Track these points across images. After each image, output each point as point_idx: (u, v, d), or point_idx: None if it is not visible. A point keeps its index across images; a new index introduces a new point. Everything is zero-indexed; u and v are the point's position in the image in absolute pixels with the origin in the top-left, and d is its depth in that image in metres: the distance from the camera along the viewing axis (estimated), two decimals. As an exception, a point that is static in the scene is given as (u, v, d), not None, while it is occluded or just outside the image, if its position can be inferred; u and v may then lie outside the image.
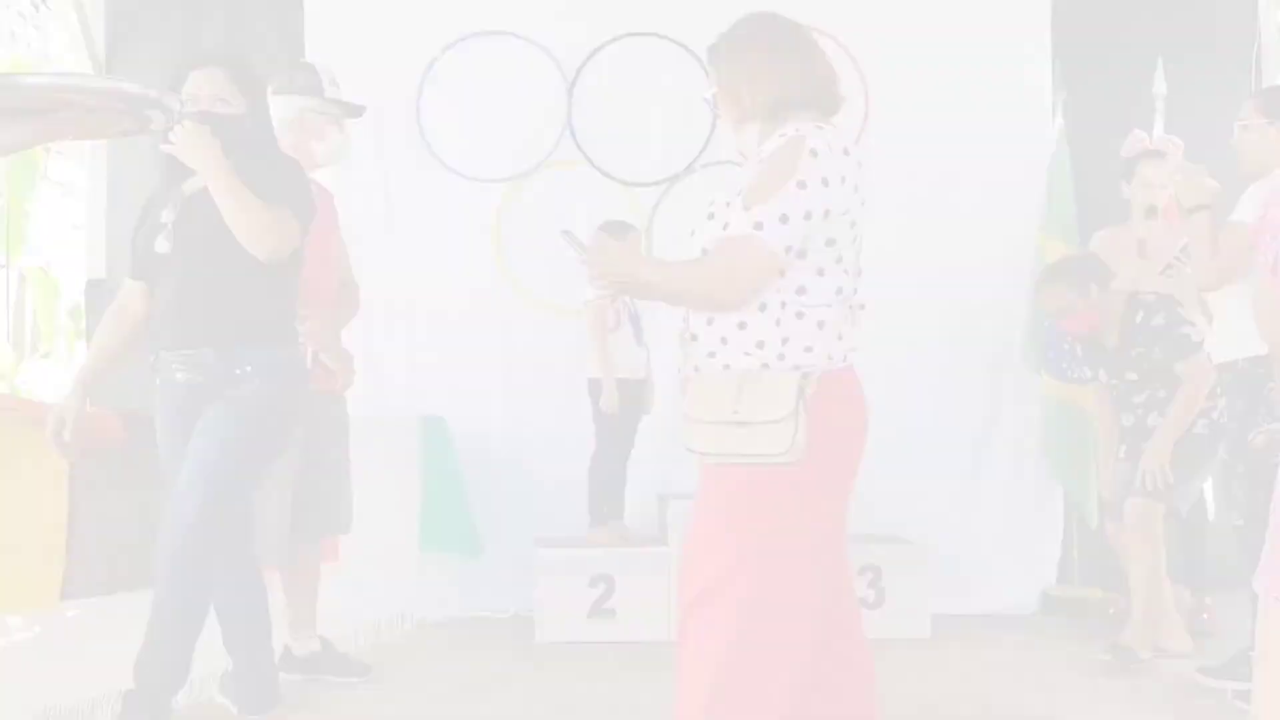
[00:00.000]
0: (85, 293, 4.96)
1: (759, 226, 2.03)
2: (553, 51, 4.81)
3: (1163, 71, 4.66)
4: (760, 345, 2.08)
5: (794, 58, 2.17)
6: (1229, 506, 3.40)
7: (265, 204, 2.68)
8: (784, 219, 2.02)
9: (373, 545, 4.03)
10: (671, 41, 4.82)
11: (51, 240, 7.79)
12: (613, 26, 4.83)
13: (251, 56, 4.77)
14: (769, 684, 2.05)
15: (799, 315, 2.08)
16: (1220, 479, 4.11)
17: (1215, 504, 4.33)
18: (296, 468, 3.37)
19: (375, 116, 4.45)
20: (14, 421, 2.91)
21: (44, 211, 7.55)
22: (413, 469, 4.34)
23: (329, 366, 3.39)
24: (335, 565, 3.85)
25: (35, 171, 7.21)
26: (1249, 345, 3.31)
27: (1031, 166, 4.78)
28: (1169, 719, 3.23)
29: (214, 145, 2.67)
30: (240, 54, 3.02)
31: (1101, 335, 3.93)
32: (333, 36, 4.71)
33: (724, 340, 2.12)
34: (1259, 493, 3.19)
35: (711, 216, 2.14)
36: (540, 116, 4.81)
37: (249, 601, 2.88)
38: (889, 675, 3.66)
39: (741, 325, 2.10)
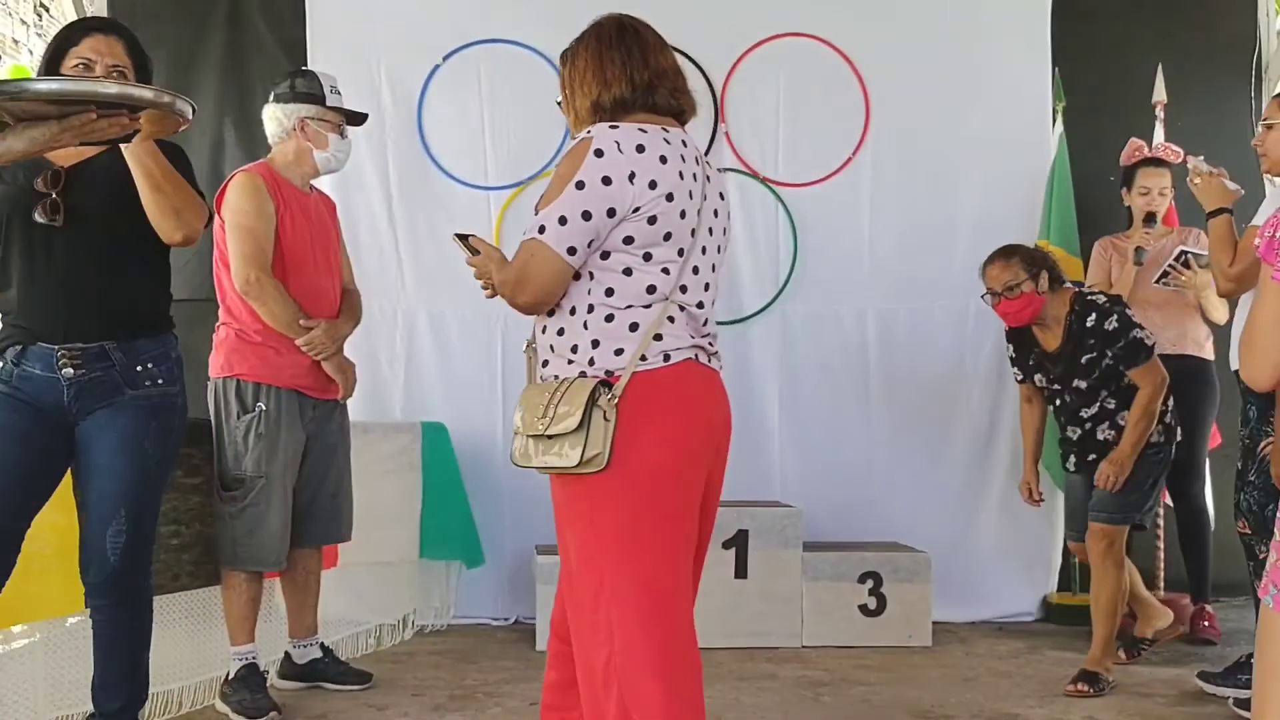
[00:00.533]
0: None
1: (541, 229, 2.05)
2: (553, 59, 4.80)
3: (1163, 79, 4.66)
4: (575, 350, 2.09)
5: (619, 60, 2.16)
6: (1237, 515, 3.38)
7: (186, 186, 2.54)
8: (563, 220, 2.03)
9: (373, 552, 4.03)
10: (671, 49, 4.82)
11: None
12: (613, 34, 4.83)
13: (254, 64, 4.84)
14: (662, 690, 2.02)
15: (608, 318, 2.06)
16: (1221, 486, 4.11)
17: (1216, 511, 4.32)
18: (299, 475, 3.38)
19: (376, 124, 4.47)
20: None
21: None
22: (414, 476, 4.34)
23: (332, 375, 3.40)
24: (334, 572, 3.85)
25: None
26: None
27: (1032, 174, 4.79)
28: (1170, 727, 3.23)
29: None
30: (129, 27, 2.70)
31: (1042, 336, 3.74)
32: (334, 44, 4.72)
33: (551, 348, 2.14)
34: (1270, 503, 3.18)
35: None
36: (540, 124, 4.81)
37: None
38: (890, 682, 3.68)
39: (560, 331, 2.12)
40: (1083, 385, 3.68)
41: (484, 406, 4.72)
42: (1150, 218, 4.33)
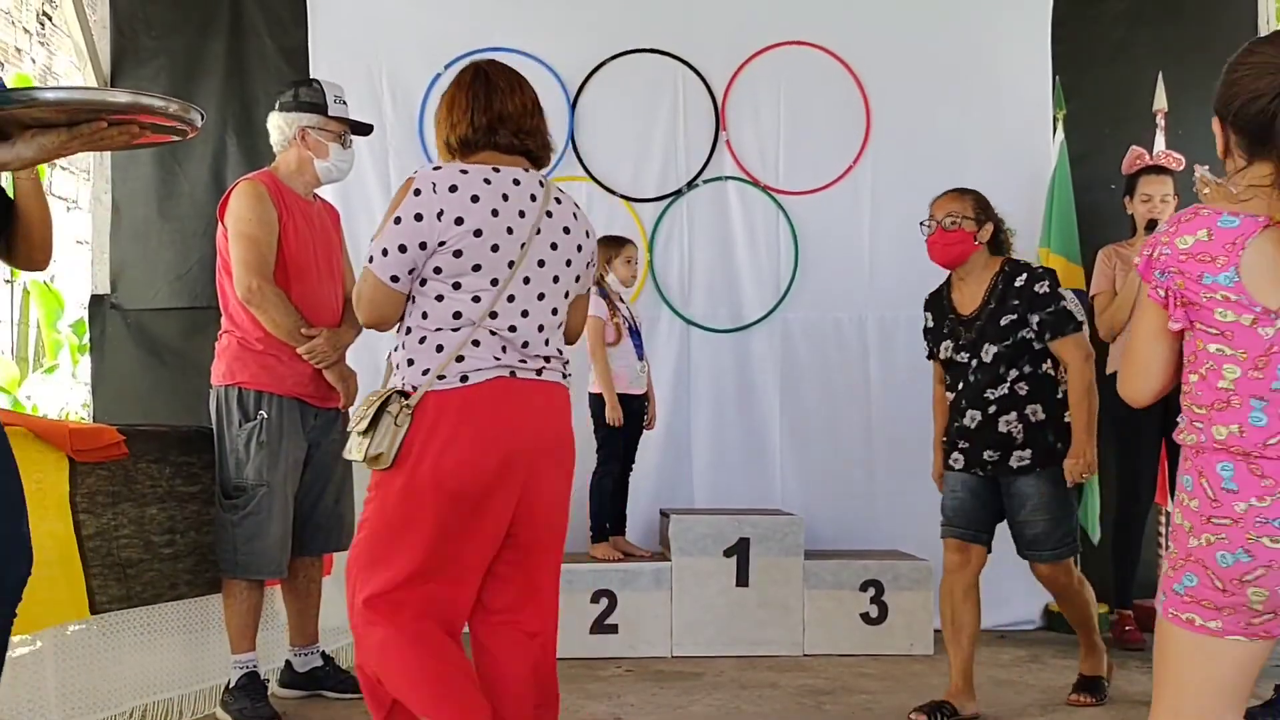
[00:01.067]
0: (89, 307, 4.98)
1: (370, 258, 2.32)
2: (555, 67, 4.83)
3: (1163, 87, 4.67)
4: (400, 365, 2.35)
5: (465, 103, 2.38)
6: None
7: None
8: (384, 252, 2.29)
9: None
10: (673, 57, 4.84)
11: (56, 255, 7.82)
12: (614, 42, 4.85)
13: (256, 72, 4.85)
14: (405, 675, 2.28)
15: (421, 340, 2.31)
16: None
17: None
18: (300, 483, 3.37)
19: (378, 133, 4.47)
20: (18, 435, 2.91)
21: (48, 226, 7.57)
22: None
23: (333, 384, 3.40)
24: (332, 579, 3.85)
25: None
26: None
27: (1033, 182, 4.79)
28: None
29: None
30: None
31: (959, 297, 3.42)
32: (336, 53, 4.73)
33: (389, 358, 2.41)
34: None
35: None
36: (542, 132, 4.82)
37: None
38: (892, 691, 3.67)
39: (396, 347, 2.39)
40: (993, 353, 3.30)
41: (485, 414, 4.72)
42: (1152, 225, 4.33)
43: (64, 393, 7.34)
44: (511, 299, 2.30)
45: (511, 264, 2.29)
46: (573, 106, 4.83)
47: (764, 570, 4.19)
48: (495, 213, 2.28)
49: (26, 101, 1.92)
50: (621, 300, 4.45)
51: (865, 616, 4.22)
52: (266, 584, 3.41)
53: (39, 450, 2.89)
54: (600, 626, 4.13)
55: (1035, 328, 3.27)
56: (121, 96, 2.07)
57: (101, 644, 3.12)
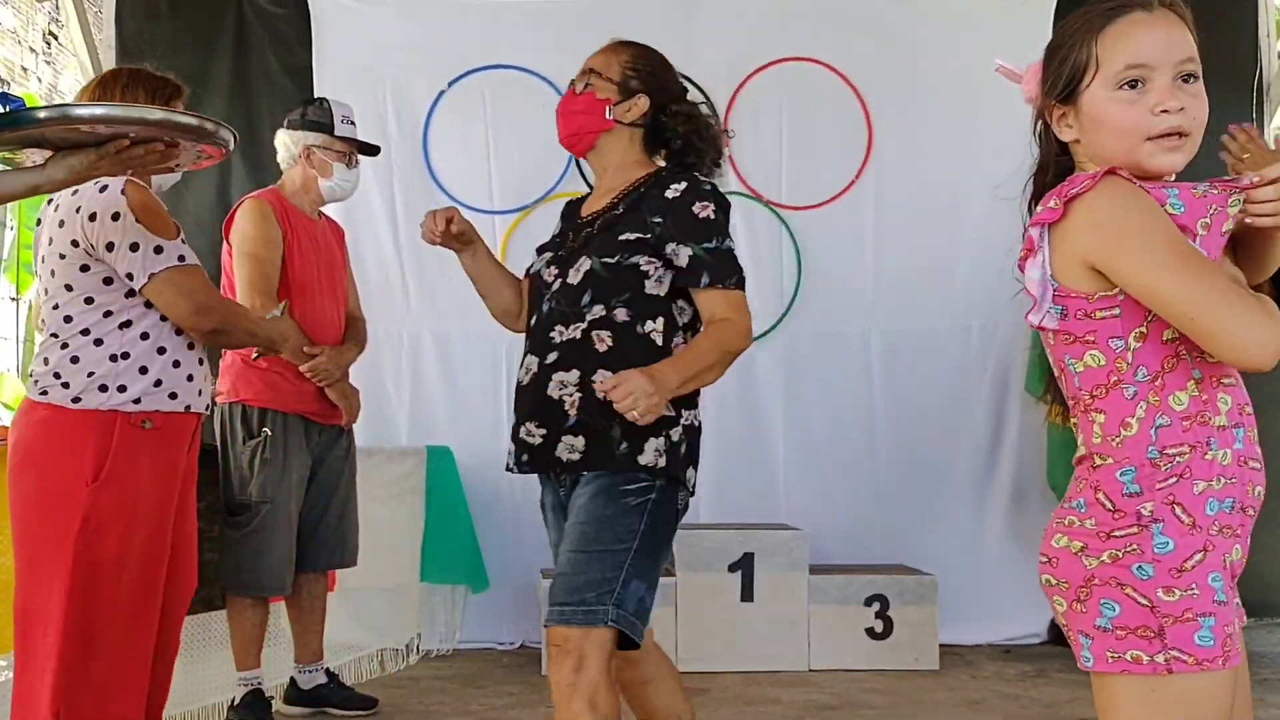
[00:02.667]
0: (94, 325, 4.99)
1: None
2: (557, 84, 4.84)
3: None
4: None
5: None
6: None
7: None
8: None
9: (378, 577, 4.03)
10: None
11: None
12: (617, 59, 4.87)
13: (261, 91, 4.87)
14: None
15: None
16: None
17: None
18: (304, 500, 3.38)
19: (383, 151, 4.50)
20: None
21: (53, 244, 7.60)
22: (416, 500, 4.34)
23: (335, 402, 3.41)
24: (334, 596, 3.85)
25: (44, 202, 7.28)
26: None
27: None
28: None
29: None
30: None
31: (590, 200, 2.35)
32: (341, 71, 4.75)
33: None
34: None
35: None
36: (545, 148, 4.80)
37: None
38: (897, 705, 3.66)
39: None
40: (584, 270, 2.16)
41: (490, 430, 4.72)
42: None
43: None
44: (52, 305, 2.42)
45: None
46: (575, 123, 4.84)
47: (769, 585, 4.19)
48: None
49: (61, 119, 1.93)
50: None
51: (870, 631, 4.21)
52: (270, 601, 3.41)
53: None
54: (605, 642, 4.12)
55: (682, 264, 2.14)
56: (155, 114, 2.09)
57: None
